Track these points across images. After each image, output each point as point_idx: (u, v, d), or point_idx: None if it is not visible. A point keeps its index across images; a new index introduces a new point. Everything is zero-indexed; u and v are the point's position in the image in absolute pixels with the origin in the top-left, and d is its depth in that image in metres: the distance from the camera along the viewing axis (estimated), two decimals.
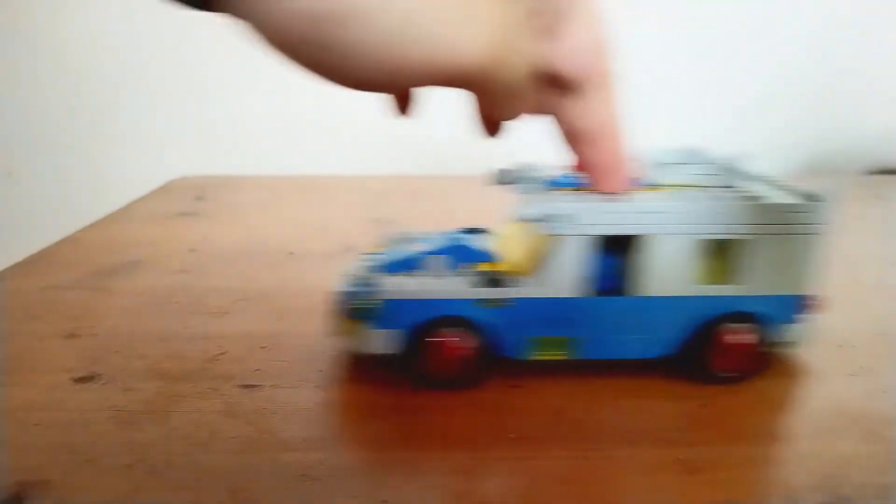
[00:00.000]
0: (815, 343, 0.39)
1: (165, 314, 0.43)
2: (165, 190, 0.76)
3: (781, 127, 0.84)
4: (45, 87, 0.81)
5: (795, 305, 0.35)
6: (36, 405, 0.32)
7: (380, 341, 0.34)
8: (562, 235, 0.33)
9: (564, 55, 0.27)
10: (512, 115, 0.28)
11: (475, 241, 0.37)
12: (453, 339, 0.33)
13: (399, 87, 0.24)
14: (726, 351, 0.34)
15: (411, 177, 0.80)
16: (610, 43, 0.29)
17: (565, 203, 0.32)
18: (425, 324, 0.33)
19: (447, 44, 0.21)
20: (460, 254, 0.35)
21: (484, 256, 0.36)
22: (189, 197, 0.73)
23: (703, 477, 0.28)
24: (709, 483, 0.27)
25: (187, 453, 0.29)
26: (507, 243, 0.38)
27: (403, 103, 0.32)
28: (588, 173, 0.32)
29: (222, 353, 0.37)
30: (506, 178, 0.37)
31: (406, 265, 0.35)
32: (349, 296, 0.35)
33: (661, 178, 0.36)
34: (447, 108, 0.80)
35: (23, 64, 0.80)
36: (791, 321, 0.35)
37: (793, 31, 0.81)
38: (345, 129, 0.82)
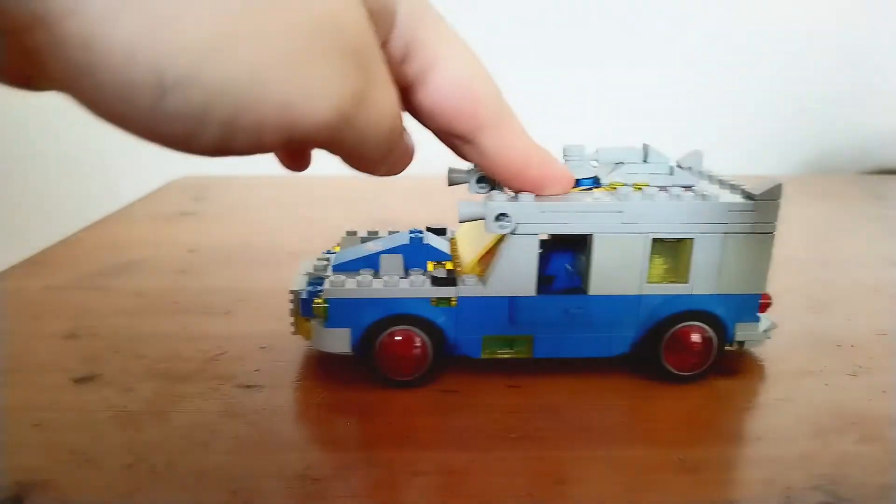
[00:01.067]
0: (815, 343, 0.39)
1: (165, 314, 0.43)
2: (165, 190, 0.76)
3: (781, 126, 0.84)
4: None
5: (748, 305, 0.34)
6: (36, 405, 0.32)
7: (334, 340, 0.34)
8: (508, 234, 0.33)
9: (442, 99, 0.26)
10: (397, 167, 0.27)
11: (431, 241, 0.37)
12: (405, 338, 0.33)
13: (256, 150, 0.21)
14: (680, 349, 0.34)
15: (410, 177, 0.80)
16: (488, 75, 0.27)
17: (507, 203, 0.32)
18: (374, 323, 0.33)
19: (298, 102, 0.19)
20: (415, 253, 0.36)
21: (438, 255, 0.36)
22: (189, 197, 0.73)
23: (703, 477, 0.28)
24: (709, 483, 0.27)
25: (187, 453, 0.29)
26: (462, 242, 0.38)
27: (291, 160, 0.30)
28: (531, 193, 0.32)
29: (222, 353, 0.37)
30: (456, 178, 0.37)
31: (360, 264, 0.35)
32: (302, 295, 0.35)
33: (609, 177, 0.36)
34: None
35: None
36: (744, 320, 0.35)
37: (792, 30, 0.81)
38: None
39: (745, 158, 0.85)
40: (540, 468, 0.28)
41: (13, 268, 0.51)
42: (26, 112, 0.82)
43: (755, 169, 0.84)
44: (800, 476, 0.28)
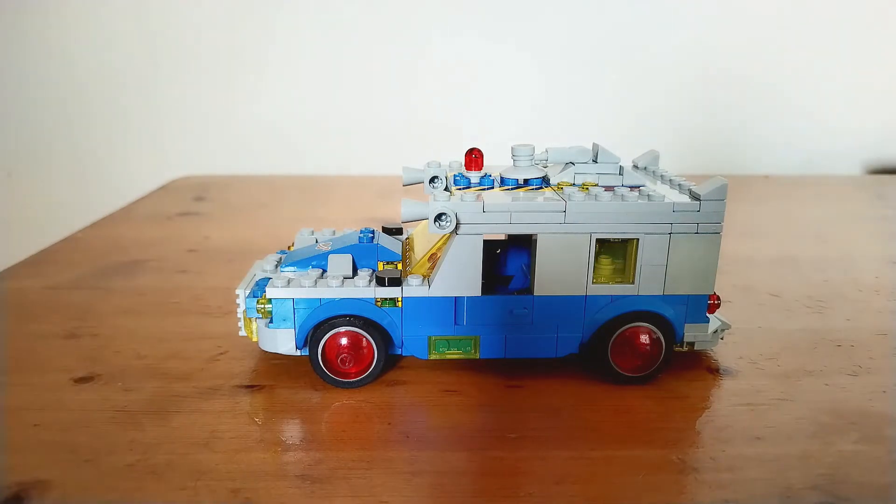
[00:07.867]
0: (816, 343, 0.39)
1: (165, 314, 0.43)
2: (165, 190, 0.77)
3: (780, 126, 0.84)
4: (45, 87, 0.81)
5: (696, 305, 0.34)
6: (36, 405, 0.32)
7: (278, 340, 0.34)
8: (452, 235, 0.33)
9: None
10: None
11: (382, 241, 0.36)
12: (349, 338, 0.33)
13: None
14: (628, 351, 0.34)
15: None
16: None
17: (448, 203, 0.32)
18: (318, 324, 0.33)
19: None
20: (365, 253, 0.35)
21: (388, 256, 0.36)
22: (189, 197, 0.73)
23: (703, 477, 0.28)
24: (709, 483, 0.27)
25: (187, 453, 0.29)
26: (417, 242, 0.38)
27: None
28: None
29: (222, 353, 0.37)
30: (410, 177, 0.36)
31: (310, 264, 0.35)
32: (247, 295, 0.35)
33: (558, 177, 0.35)
34: (447, 107, 0.80)
35: (24, 64, 0.80)
36: (693, 321, 0.35)
37: (791, 27, 0.81)
38: (345, 129, 0.82)
39: (745, 158, 0.85)
40: (540, 468, 0.28)
41: (13, 268, 0.51)
42: (27, 111, 0.82)
43: (755, 169, 0.84)
44: (799, 476, 0.28)
